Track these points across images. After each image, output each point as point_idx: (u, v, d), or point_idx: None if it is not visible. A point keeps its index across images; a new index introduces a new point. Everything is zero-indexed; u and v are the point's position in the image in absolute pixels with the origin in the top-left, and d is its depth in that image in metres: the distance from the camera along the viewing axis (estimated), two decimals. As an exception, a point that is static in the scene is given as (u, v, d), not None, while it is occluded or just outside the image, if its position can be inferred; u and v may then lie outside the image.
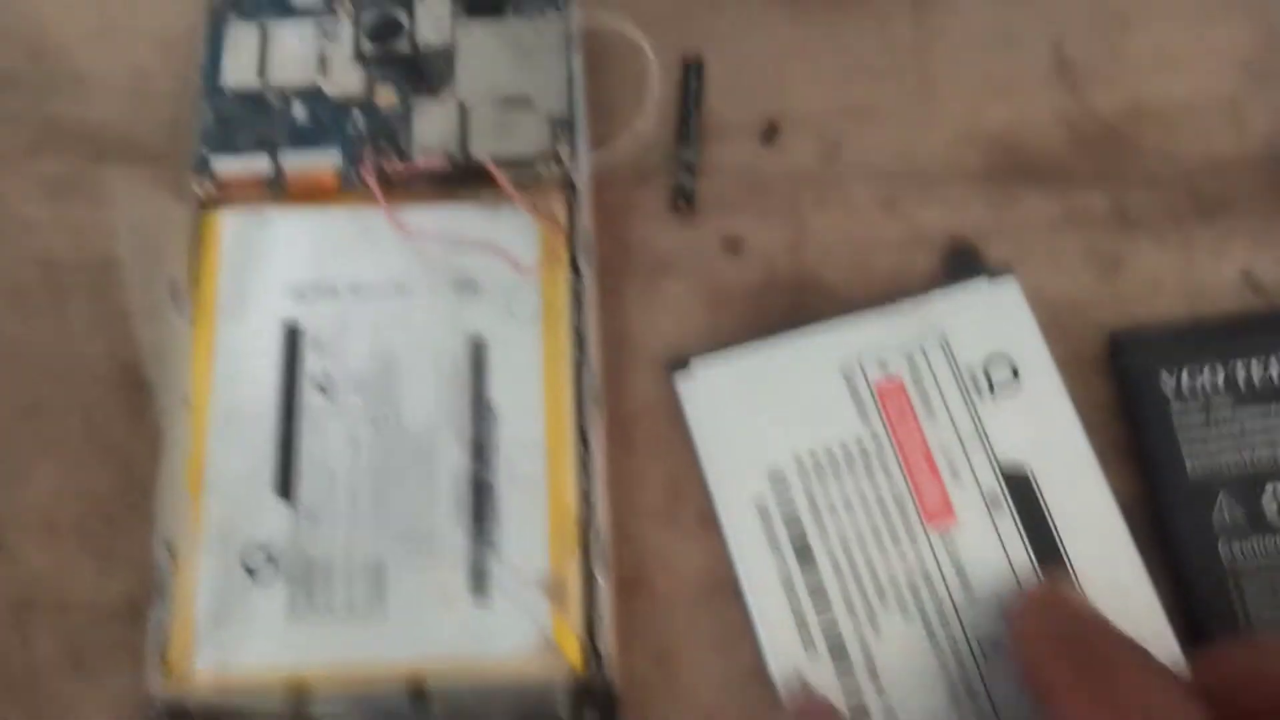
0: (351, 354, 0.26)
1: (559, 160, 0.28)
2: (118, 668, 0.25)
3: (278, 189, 0.28)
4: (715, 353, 0.26)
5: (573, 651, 0.24)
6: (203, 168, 0.28)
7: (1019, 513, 0.25)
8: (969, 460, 0.25)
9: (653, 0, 0.30)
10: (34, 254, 0.29)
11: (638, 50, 0.28)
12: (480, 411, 0.26)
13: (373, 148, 0.28)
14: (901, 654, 0.24)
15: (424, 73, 0.29)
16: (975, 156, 0.29)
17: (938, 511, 0.25)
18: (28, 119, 0.30)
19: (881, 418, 0.26)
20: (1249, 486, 0.25)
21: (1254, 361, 0.26)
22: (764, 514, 0.25)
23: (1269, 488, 0.25)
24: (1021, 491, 0.25)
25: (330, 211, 0.28)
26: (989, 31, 0.30)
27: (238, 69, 0.29)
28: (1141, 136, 0.29)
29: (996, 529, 0.25)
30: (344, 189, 0.28)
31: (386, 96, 0.29)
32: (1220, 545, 0.24)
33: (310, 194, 0.28)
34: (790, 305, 0.28)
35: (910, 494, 0.25)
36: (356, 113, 0.29)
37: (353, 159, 0.28)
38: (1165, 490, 0.25)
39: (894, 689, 0.23)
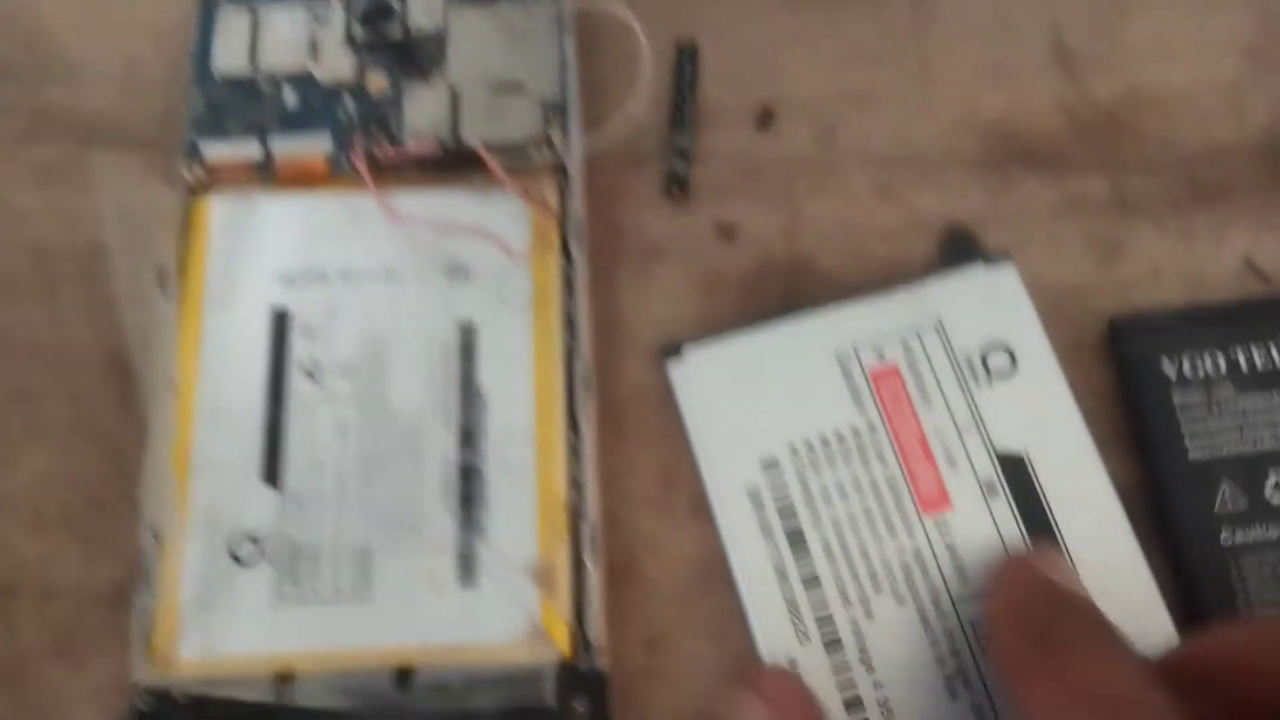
0: (340, 340, 0.26)
1: (551, 145, 0.27)
2: (104, 655, 0.25)
3: (268, 174, 0.28)
4: (708, 339, 0.26)
5: (561, 637, 0.23)
6: (193, 153, 0.28)
7: (1015, 499, 0.24)
8: (965, 447, 0.25)
9: (647, -16, 0.30)
10: (24, 242, 0.28)
11: (631, 35, 0.28)
12: (470, 397, 0.26)
13: (363, 133, 0.28)
14: (896, 641, 0.23)
15: (415, 57, 0.29)
16: (973, 143, 0.29)
17: (933, 498, 0.24)
18: (19, 108, 0.30)
19: (876, 404, 0.25)
20: (1251, 472, 0.24)
21: (1255, 347, 0.25)
22: (756, 501, 0.25)
23: (1271, 473, 0.24)
24: (1018, 478, 0.24)
25: (320, 197, 0.28)
26: (987, 18, 0.30)
27: (229, 54, 0.29)
28: (1141, 123, 0.29)
29: (992, 515, 0.24)
30: (334, 174, 0.28)
31: (377, 81, 0.29)
32: (1222, 531, 0.24)
33: (300, 179, 0.28)
34: (784, 292, 0.27)
35: (905, 481, 0.25)
36: (347, 98, 0.29)
37: (343, 144, 0.28)
38: (1167, 476, 0.24)
39: (888, 677, 0.23)
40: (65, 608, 0.25)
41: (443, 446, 0.25)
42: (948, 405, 0.25)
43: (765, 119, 0.29)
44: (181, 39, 0.30)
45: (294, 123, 0.28)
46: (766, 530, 0.24)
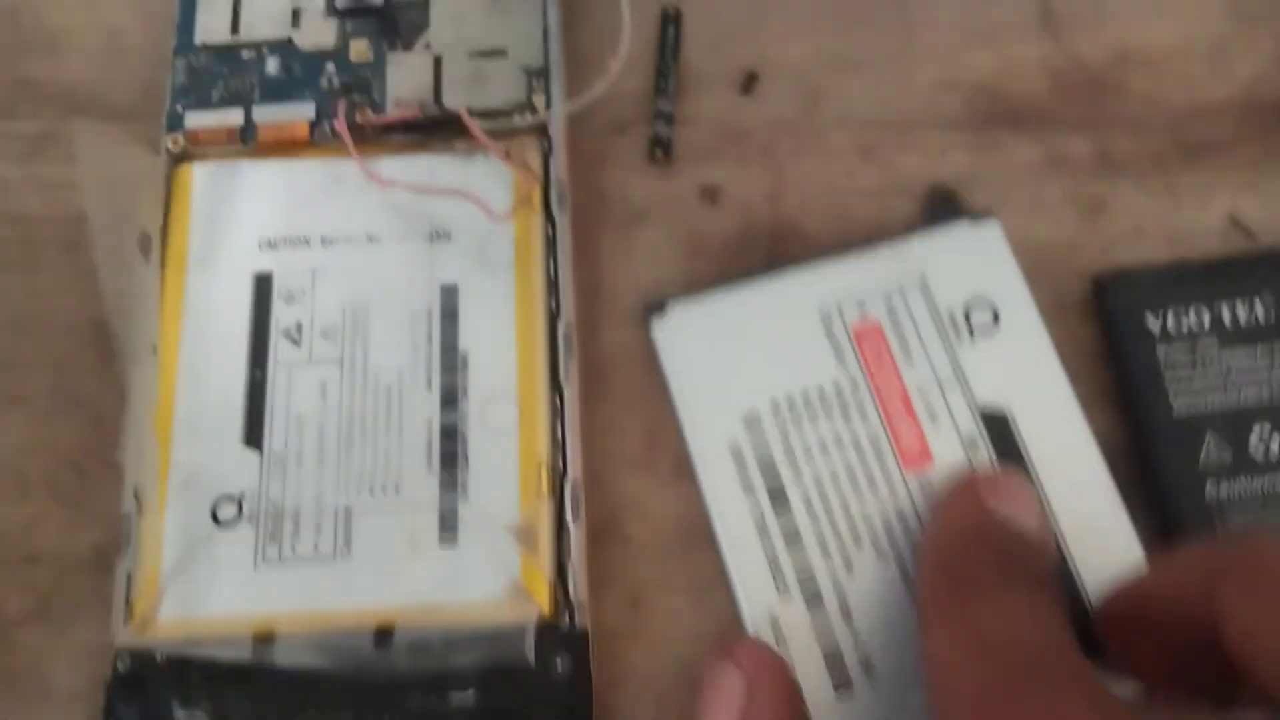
0: (322, 304, 0.26)
1: (533, 109, 0.27)
2: (86, 618, 0.25)
3: (250, 142, 0.28)
4: (692, 296, 0.26)
5: (542, 596, 0.23)
6: (175, 122, 0.28)
7: (997, 455, 0.24)
8: (947, 403, 0.25)
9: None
10: (6, 211, 0.28)
11: (614, 1, 0.28)
12: (451, 359, 0.25)
13: (346, 100, 0.28)
14: (876, 596, 0.23)
15: (398, 25, 0.29)
16: (957, 104, 0.29)
17: (915, 454, 0.24)
18: (1, 80, 0.30)
19: (859, 361, 0.25)
20: (1235, 426, 0.24)
21: (1240, 302, 0.25)
22: (738, 457, 0.25)
23: (1256, 428, 0.24)
24: (1000, 433, 0.24)
25: (302, 163, 0.28)
26: (971, -20, 0.30)
27: (211, 24, 0.29)
28: (1126, 82, 0.29)
29: (978, 469, 0.24)
30: (316, 142, 0.28)
31: (360, 49, 0.29)
32: (1207, 485, 0.24)
33: (283, 147, 0.28)
34: (768, 253, 0.27)
35: (887, 437, 0.24)
36: (330, 66, 0.29)
37: (326, 112, 0.28)
38: (1152, 431, 0.24)
39: (868, 631, 0.23)
40: (47, 572, 0.25)
41: (424, 407, 0.25)
42: (930, 362, 0.25)
43: (749, 83, 0.29)
44: (163, 9, 0.30)
45: (276, 91, 0.28)
46: (748, 486, 0.24)
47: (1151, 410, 0.24)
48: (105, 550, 0.25)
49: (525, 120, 0.27)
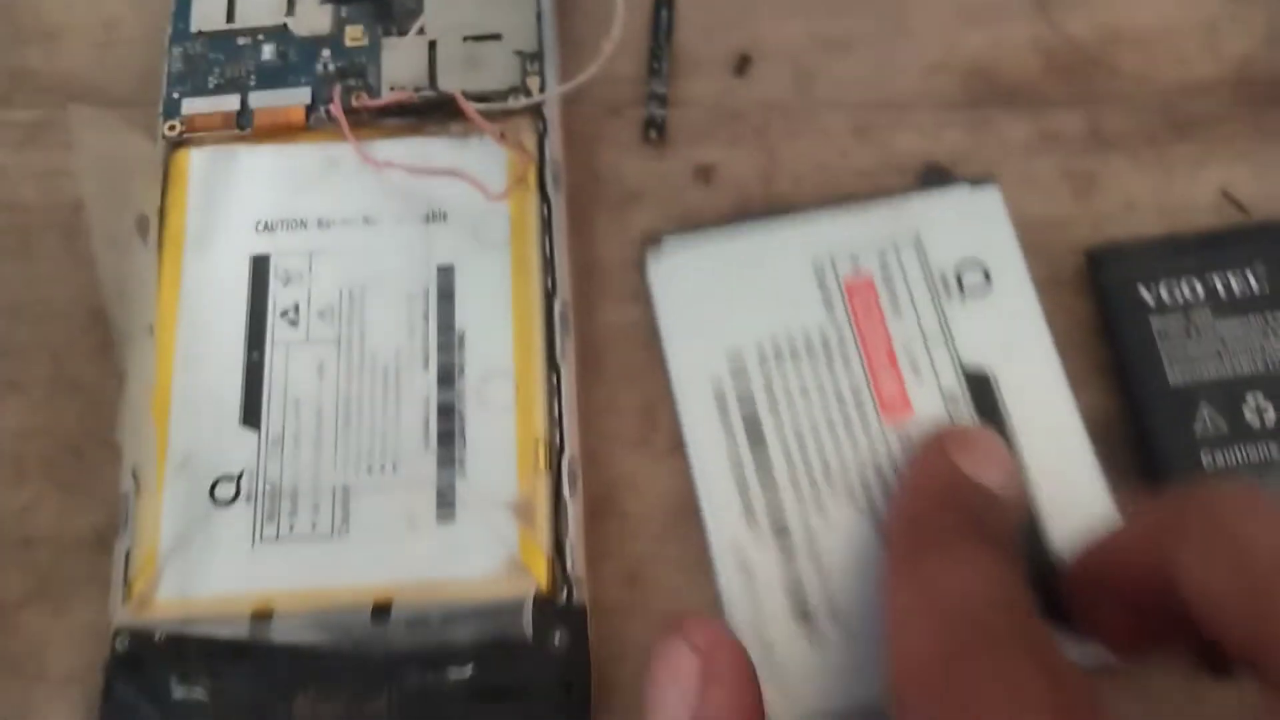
0: (319, 285, 0.26)
1: (528, 93, 0.27)
2: (84, 599, 0.25)
3: (247, 128, 0.28)
4: (688, 234, 0.26)
5: (540, 571, 0.23)
6: (172, 110, 0.28)
7: (978, 413, 0.24)
8: (931, 358, 0.25)
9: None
10: (2, 199, 0.29)
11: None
12: (448, 338, 0.26)
13: (341, 85, 0.28)
14: (845, 539, 0.23)
15: (392, 10, 0.29)
16: (950, 84, 0.29)
17: (895, 405, 0.24)
18: (-2, 68, 0.30)
19: (848, 313, 0.25)
20: (1230, 396, 0.24)
21: (1232, 274, 0.25)
22: (720, 395, 0.25)
23: (1250, 397, 0.24)
24: (982, 391, 0.24)
25: (298, 147, 0.28)
26: (963, -39, 0.30)
27: (207, 12, 0.29)
28: (1117, 61, 0.29)
29: (953, 424, 0.24)
30: (312, 126, 0.28)
31: (355, 35, 0.29)
32: (1203, 454, 0.24)
33: (279, 132, 0.28)
34: (763, 232, 0.27)
35: (868, 386, 0.25)
36: (325, 52, 0.29)
37: (321, 97, 0.28)
38: (1147, 401, 0.24)
39: (834, 571, 0.23)
40: (46, 554, 0.25)
41: (422, 386, 0.25)
42: (918, 317, 0.25)
43: (742, 65, 0.29)
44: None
45: (272, 77, 0.28)
46: (727, 424, 0.24)
47: (1146, 381, 0.24)
48: (103, 532, 0.25)
49: (520, 103, 0.27)
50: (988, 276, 0.25)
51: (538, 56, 0.28)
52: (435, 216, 0.27)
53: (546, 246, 0.26)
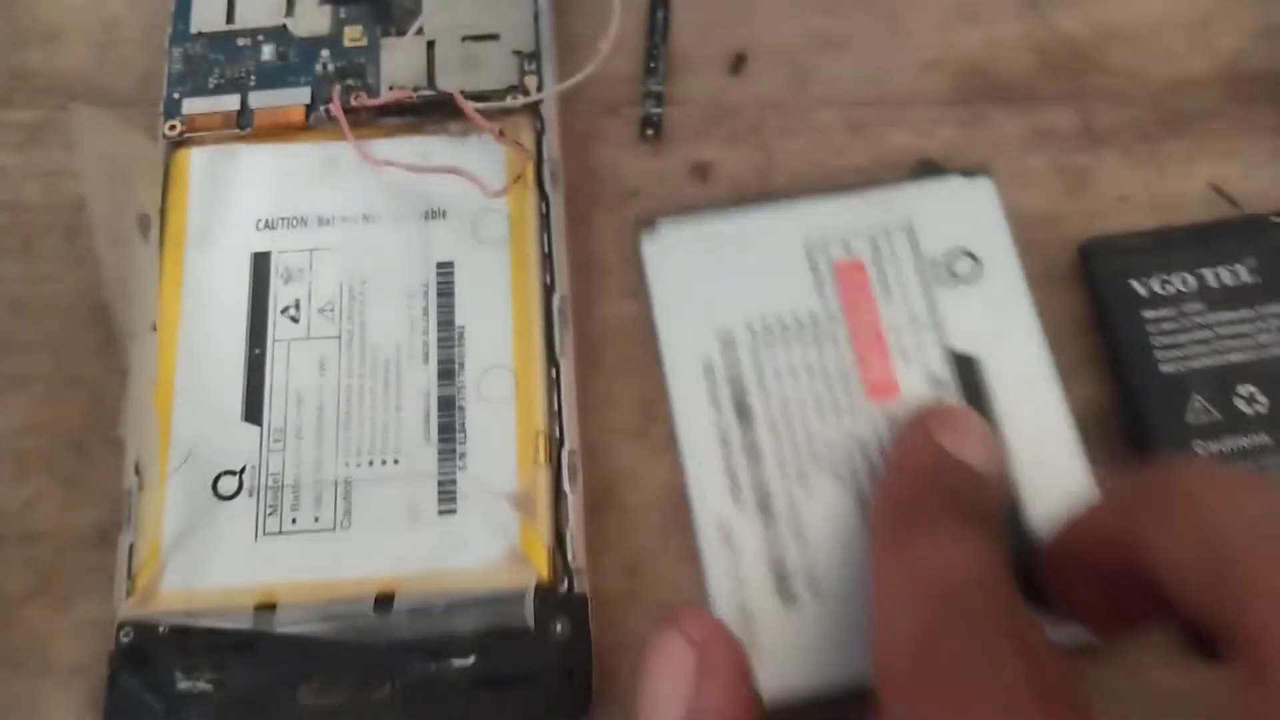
0: (320, 282, 0.26)
1: (526, 92, 0.28)
2: (88, 594, 0.25)
3: (247, 127, 0.28)
4: (683, 216, 0.27)
5: (540, 562, 0.23)
6: (173, 110, 0.28)
7: (964, 395, 0.25)
8: (919, 342, 0.25)
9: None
10: (4, 199, 0.29)
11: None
12: (448, 333, 0.26)
13: (341, 85, 0.28)
14: (828, 515, 0.24)
15: (391, 11, 0.29)
16: (944, 82, 0.29)
17: (881, 386, 0.25)
18: (-2, 69, 0.30)
19: (838, 295, 0.26)
20: (1221, 384, 0.24)
21: (1222, 267, 0.26)
22: (710, 372, 0.25)
23: (1241, 387, 0.24)
24: (968, 375, 0.25)
25: (298, 146, 0.28)
26: (955, -40, 0.31)
27: (207, 13, 0.29)
28: (1109, 58, 0.29)
29: (935, 403, 0.24)
30: (312, 126, 0.28)
31: (354, 35, 0.29)
32: (1195, 443, 0.24)
33: (279, 132, 0.28)
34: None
35: (856, 367, 0.25)
36: (325, 52, 0.29)
37: (321, 97, 0.28)
38: (1141, 391, 0.25)
39: (816, 547, 0.23)
40: (49, 550, 0.25)
41: (422, 381, 0.25)
42: (908, 302, 0.25)
43: (737, 64, 0.30)
44: (157, 0, 0.30)
45: (272, 77, 0.29)
46: (715, 400, 0.25)
47: (1140, 371, 0.25)
48: (105, 527, 0.25)
49: (517, 102, 0.28)
50: (978, 264, 0.26)
51: (535, 56, 0.28)
52: (434, 214, 0.27)
53: (545, 243, 0.26)
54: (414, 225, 0.27)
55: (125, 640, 0.23)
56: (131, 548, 0.24)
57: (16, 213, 0.29)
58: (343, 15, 0.29)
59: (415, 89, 0.28)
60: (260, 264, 0.27)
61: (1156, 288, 0.25)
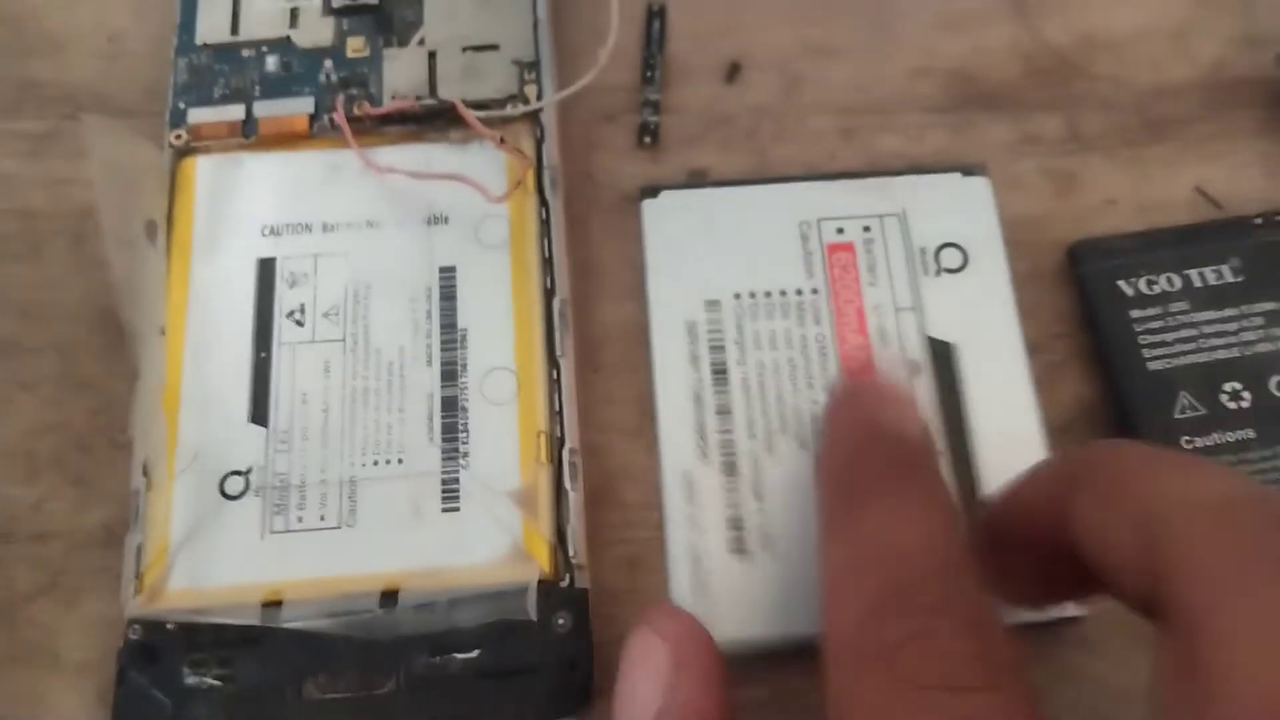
0: (325, 287, 0.27)
1: (525, 100, 0.28)
2: (96, 593, 0.25)
3: (251, 136, 0.29)
4: (684, 187, 0.28)
5: (543, 557, 0.24)
6: (178, 119, 0.29)
7: (937, 382, 0.25)
8: (899, 326, 0.26)
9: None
10: (12, 206, 0.29)
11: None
12: (451, 336, 0.26)
13: (344, 95, 0.29)
14: (790, 479, 0.25)
15: (393, 22, 0.30)
16: (933, 88, 0.30)
17: (858, 365, 0.26)
18: (4, 80, 0.31)
19: (825, 274, 0.26)
20: (1207, 381, 0.25)
21: (1207, 267, 0.26)
22: (692, 333, 0.26)
23: (1226, 384, 0.25)
24: (944, 363, 0.25)
25: (302, 154, 0.28)
26: (943, -29, 0.31)
27: (212, 25, 0.30)
28: (1094, 65, 0.30)
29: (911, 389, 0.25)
30: (315, 134, 0.29)
31: (356, 46, 0.30)
32: (1182, 439, 0.25)
33: (283, 140, 0.29)
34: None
35: (834, 344, 0.26)
36: (328, 63, 0.29)
37: (324, 106, 0.29)
38: (1128, 388, 0.25)
39: (774, 508, 0.24)
40: (58, 549, 0.26)
41: (425, 382, 0.26)
42: (892, 286, 0.26)
43: (732, 73, 0.30)
44: (162, 12, 0.31)
45: (276, 87, 0.29)
46: (694, 359, 0.26)
47: (1127, 369, 0.25)
48: (113, 527, 0.25)
49: (518, 110, 0.28)
50: (966, 258, 0.26)
51: (535, 66, 0.29)
52: (437, 219, 0.28)
53: (545, 247, 0.27)
54: (417, 230, 0.27)
55: (134, 637, 0.24)
56: (139, 547, 0.24)
57: (25, 219, 0.29)
58: (345, 27, 0.30)
59: (418, 98, 0.29)
60: (265, 269, 0.27)
61: (1143, 288, 0.26)
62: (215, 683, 0.23)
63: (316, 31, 0.30)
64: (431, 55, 0.29)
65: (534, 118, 0.28)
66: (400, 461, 0.25)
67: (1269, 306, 0.26)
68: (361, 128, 0.28)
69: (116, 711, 0.23)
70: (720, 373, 0.26)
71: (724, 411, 0.25)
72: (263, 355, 0.26)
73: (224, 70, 0.29)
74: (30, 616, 0.25)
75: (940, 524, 0.18)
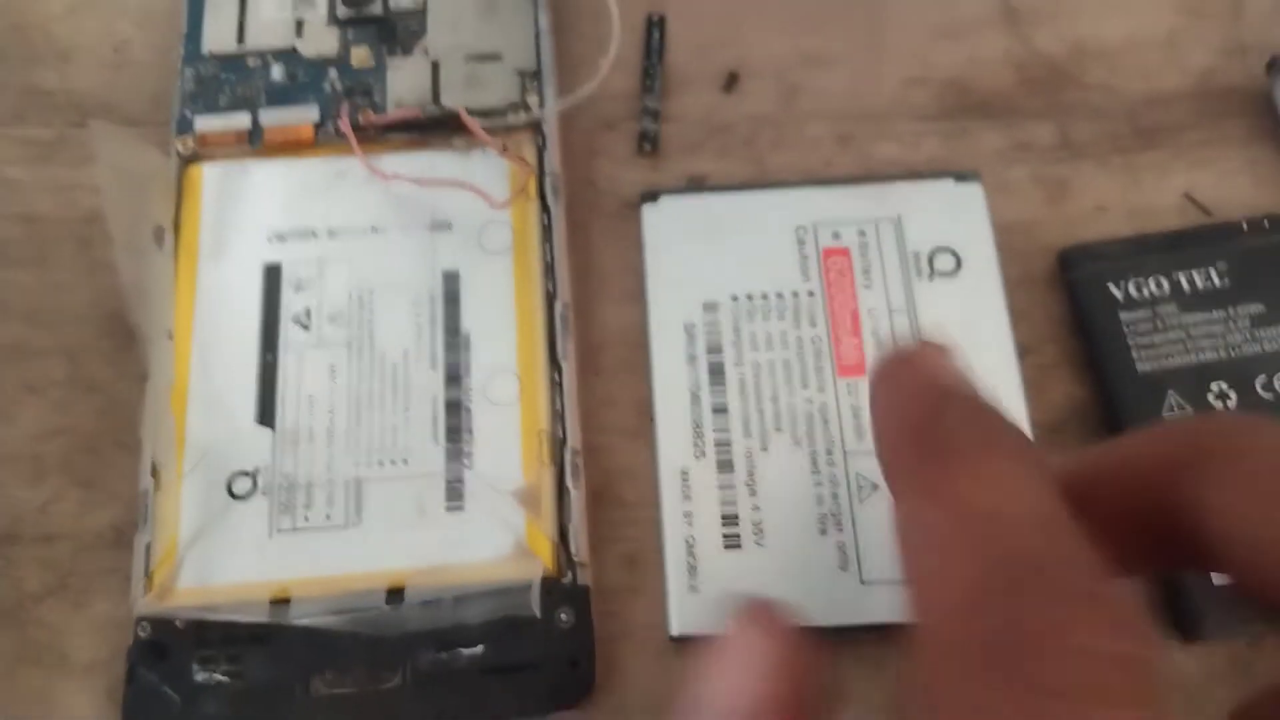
0: (330, 291, 0.27)
1: (527, 109, 0.29)
2: (105, 593, 0.25)
3: (256, 144, 0.29)
4: (684, 191, 0.29)
5: (545, 554, 0.24)
6: (185, 127, 0.29)
7: None
8: (892, 327, 0.27)
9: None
10: (19, 212, 0.30)
11: (603, 9, 0.29)
12: (454, 339, 0.27)
13: (349, 103, 0.29)
14: (783, 476, 0.25)
15: (396, 32, 0.30)
16: (926, 96, 0.30)
17: (851, 364, 0.26)
18: (11, 88, 0.31)
19: (821, 277, 0.27)
20: (1195, 382, 0.26)
21: (1195, 271, 0.27)
22: (690, 334, 0.27)
23: (1213, 385, 0.26)
24: None
25: (308, 162, 0.29)
26: (936, -20, 0.32)
27: (218, 35, 0.30)
28: (1085, 74, 0.31)
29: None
30: (320, 142, 0.29)
31: (361, 56, 0.30)
32: (1171, 439, 0.25)
33: (288, 148, 0.29)
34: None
35: (829, 345, 0.26)
36: (333, 72, 0.30)
37: (329, 114, 0.29)
38: (1118, 389, 0.26)
39: (768, 504, 0.25)
40: (66, 550, 0.26)
41: (429, 385, 0.26)
42: (886, 289, 0.27)
43: (730, 82, 0.31)
44: (168, 22, 0.31)
45: (282, 96, 0.30)
46: (692, 358, 0.27)
47: (1117, 371, 0.26)
48: (121, 528, 0.26)
49: (520, 118, 0.29)
50: (959, 263, 0.27)
51: (537, 75, 0.29)
52: (440, 225, 0.28)
53: (547, 252, 0.28)
54: (421, 236, 0.28)
55: (143, 635, 0.24)
56: (148, 546, 0.25)
57: (31, 225, 0.29)
58: (350, 37, 0.30)
59: (421, 107, 0.29)
60: (272, 274, 0.28)
61: (1133, 291, 0.27)
62: (224, 679, 0.24)
63: (321, 41, 0.30)
64: (435, 65, 0.30)
65: (536, 126, 0.29)
66: (405, 462, 0.25)
67: (1255, 309, 0.26)
68: (366, 136, 0.29)
69: (126, 707, 0.24)
70: (718, 372, 0.26)
71: (720, 410, 0.26)
72: (269, 358, 0.27)
73: (230, 79, 0.30)
74: (39, 617, 0.25)
75: (1045, 486, 0.14)
